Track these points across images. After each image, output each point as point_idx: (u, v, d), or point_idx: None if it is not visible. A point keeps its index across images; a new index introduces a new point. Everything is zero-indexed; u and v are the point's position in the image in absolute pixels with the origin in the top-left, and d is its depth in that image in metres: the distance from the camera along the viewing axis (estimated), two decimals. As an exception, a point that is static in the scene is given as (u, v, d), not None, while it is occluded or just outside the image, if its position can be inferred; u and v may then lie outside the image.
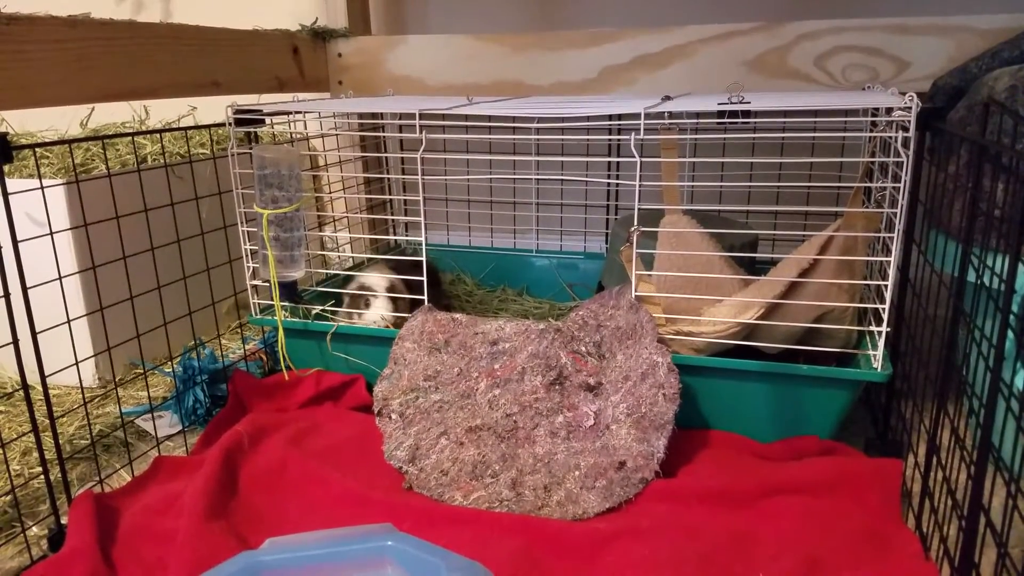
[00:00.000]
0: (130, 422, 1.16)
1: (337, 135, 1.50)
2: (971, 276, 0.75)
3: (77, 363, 0.93)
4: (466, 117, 1.12)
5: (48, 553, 0.87)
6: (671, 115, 1.01)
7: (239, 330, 1.37)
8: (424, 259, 1.14)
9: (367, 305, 1.21)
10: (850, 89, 1.37)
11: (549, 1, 1.68)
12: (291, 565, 0.58)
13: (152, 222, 1.02)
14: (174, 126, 1.40)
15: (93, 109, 1.52)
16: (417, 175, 1.10)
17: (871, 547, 0.82)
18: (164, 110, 1.61)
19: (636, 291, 1.05)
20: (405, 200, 1.62)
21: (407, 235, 1.64)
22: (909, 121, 0.85)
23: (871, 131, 1.00)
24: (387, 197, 1.53)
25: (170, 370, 1.18)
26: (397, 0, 1.77)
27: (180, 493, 0.92)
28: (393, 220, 1.65)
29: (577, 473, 0.93)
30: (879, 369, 0.96)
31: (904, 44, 1.34)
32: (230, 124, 1.14)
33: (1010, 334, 0.62)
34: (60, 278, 0.90)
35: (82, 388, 1.02)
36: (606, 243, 1.59)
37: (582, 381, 1.01)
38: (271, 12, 1.73)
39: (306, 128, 1.33)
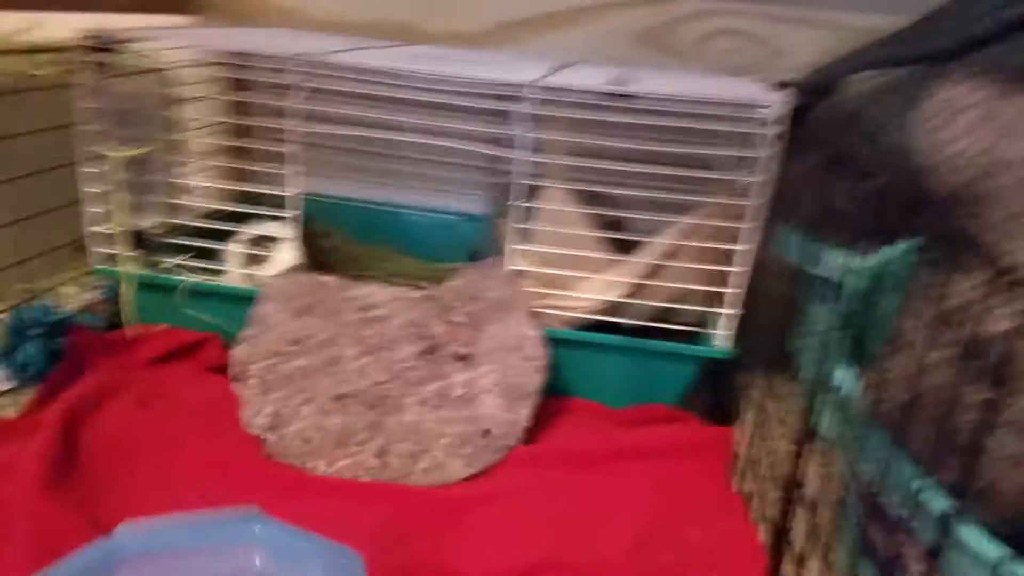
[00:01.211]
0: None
1: (202, 66, 1.39)
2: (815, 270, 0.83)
3: None
4: (342, 68, 1.07)
5: None
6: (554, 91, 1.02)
7: (81, 280, 1.25)
8: (300, 213, 1.09)
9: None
10: (727, 72, 1.42)
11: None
12: (151, 553, 0.55)
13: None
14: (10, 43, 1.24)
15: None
16: (273, 124, 1.05)
17: (704, 507, 0.90)
18: None
19: (512, 264, 1.06)
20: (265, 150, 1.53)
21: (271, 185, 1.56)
22: (781, 118, 0.91)
23: (736, 128, 1.05)
24: (253, 145, 1.43)
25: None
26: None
27: (14, 459, 0.85)
28: (256, 171, 1.55)
29: (443, 441, 0.94)
30: (724, 347, 1.03)
31: (779, 33, 1.41)
32: (80, 49, 1.03)
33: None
34: None
35: None
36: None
37: (454, 351, 1.02)
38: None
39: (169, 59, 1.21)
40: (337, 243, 1.52)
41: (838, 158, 0.78)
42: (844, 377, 0.71)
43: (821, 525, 0.70)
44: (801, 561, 0.72)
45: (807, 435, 0.73)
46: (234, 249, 1.15)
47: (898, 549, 0.61)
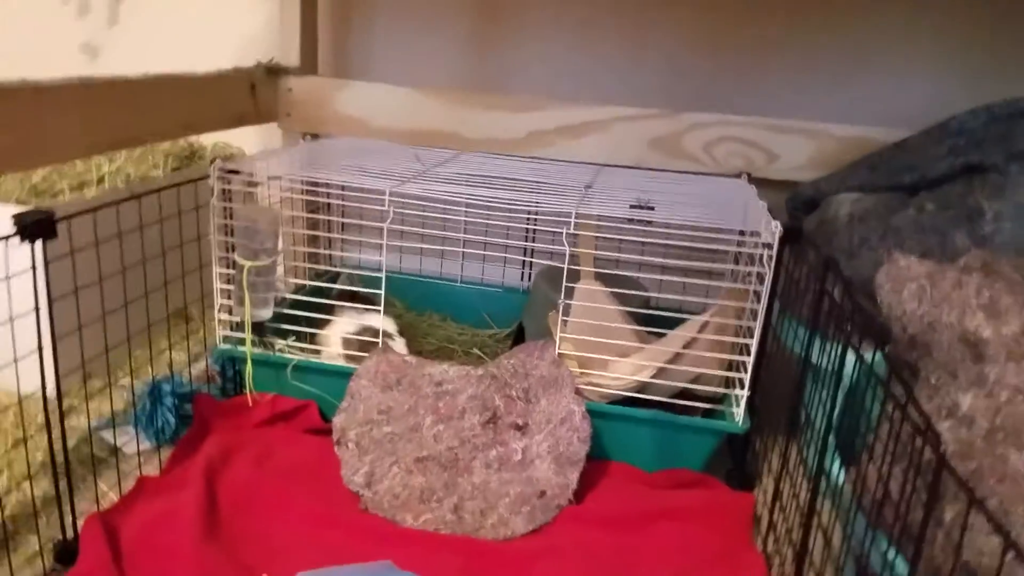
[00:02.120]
0: (102, 438, 1.28)
1: (292, 196, 1.63)
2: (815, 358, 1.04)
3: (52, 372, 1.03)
4: (425, 199, 1.32)
5: (57, 567, 1.00)
6: (591, 216, 1.26)
7: (185, 343, 1.48)
8: (382, 309, 1.33)
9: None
10: (729, 173, 1.65)
11: (484, 64, 1.88)
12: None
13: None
14: (159, 182, 1.47)
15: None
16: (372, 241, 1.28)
17: (726, 565, 1.09)
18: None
19: (559, 349, 1.29)
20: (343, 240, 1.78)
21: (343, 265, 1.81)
22: (773, 242, 1.13)
23: (742, 246, 1.28)
24: (334, 253, 1.69)
25: (136, 388, 1.31)
26: (343, 45, 1.92)
27: (173, 511, 1.07)
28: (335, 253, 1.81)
29: (507, 500, 1.16)
30: (739, 423, 1.25)
31: (775, 140, 1.64)
32: (216, 180, 1.28)
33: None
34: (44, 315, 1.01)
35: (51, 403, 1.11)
36: (521, 280, 1.83)
37: (512, 421, 1.24)
38: (223, 42, 1.85)
39: (269, 189, 1.47)
40: (399, 312, 1.77)
41: (826, 266, 0.99)
42: (837, 472, 0.91)
43: None
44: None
45: (811, 513, 0.93)
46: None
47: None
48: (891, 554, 0.77)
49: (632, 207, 1.22)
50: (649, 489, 1.26)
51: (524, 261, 1.83)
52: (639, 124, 1.68)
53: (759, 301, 1.19)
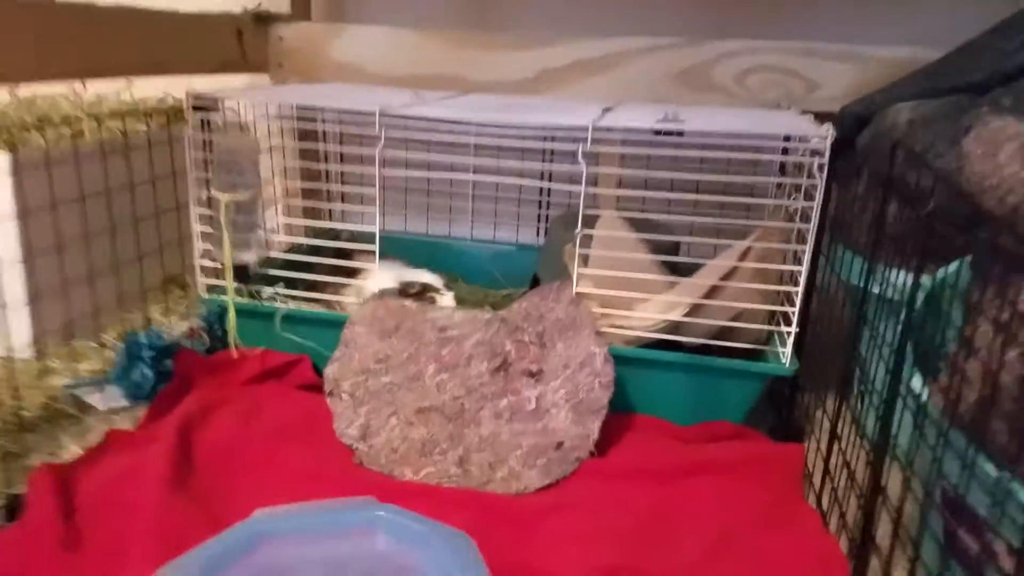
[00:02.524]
0: (74, 395, 1.16)
1: (281, 123, 1.52)
2: (875, 289, 0.88)
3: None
4: (419, 118, 1.17)
5: (4, 524, 0.88)
6: (611, 131, 1.10)
7: (178, 306, 1.38)
8: (377, 247, 1.20)
9: (432, 303, 1.25)
10: (766, 105, 1.50)
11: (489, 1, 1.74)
12: (287, 533, 0.63)
13: (95, 203, 1.04)
14: (123, 104, 1.38)
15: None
16: (359, 168, 1.15)
17: (777, 520, 0.94)
18: (95, 87, 1.58)
19: (577, 287, 1.14)
20: (344, 186, 1.65)
21: (343, 221, 1.67)
22: (823, 149, 0.98)
23: (787, 155, 1.12)
24: (333, 187, 1.55)
25: (110, 343, 1.19)
26: (340, -14, 1.79)
27: (136, 466, 0.95)
28: (334, 208, 1.67)
29: (519, 452, 1.02)
30: (787, 365, 1.09)
31: (814, 67, 1.47)
32: (188, 110, 1.16)
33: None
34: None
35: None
36: (537, 236, 1.68)
37: (525, 368, 1.10)
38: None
39: (255, 115, 1.34)
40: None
41: (888, 184, 0.84)
42: (918, 385, 0.76)
43: (906, 531, 0.73)
44: (888, 567, 0.75)
45: (884, 445, 0.78)
46: (438, 292, 1.28)
47: (986, 547, 0.65)
48: (1006, 481, 0.61)
49: (659, 122, 1.06)
50: (682, 442, 1.11)
51: (539, 215, 1.68)
52: (663, 56, 1.52)
53: (808, 222, 1.03)
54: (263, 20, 1.62)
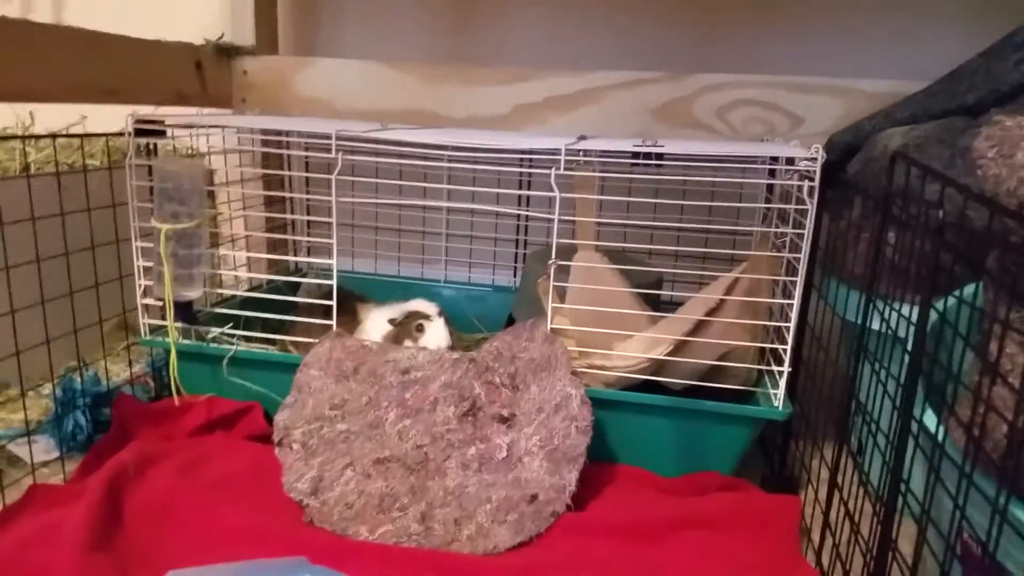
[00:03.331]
0: (1, 447, 1.05)
1: (240, 152, 1.45)
2: (875, 324, 0.80)
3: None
4: (381, 142, 1.10)
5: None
6: (587, 153, 1.04)
7: (125, 352, 1.27)
8: (335, 283, 1.11)
9: (420, 330, 1.16)
10: (749, 141, 1.44)
11: (463, 34, 1.69)
12: (196, 603, 0.53)
13: (35, 234, 0.95)
14: (65, 133, 1.31)
15: (-33, 111, 1.40)
16: (322, 197, 1.08)
17: (773, 579, 0.84)
18: (50, 119, 1.50)
19: (552, 323, 1.05)
20: (309, 222, 1.57)
21: (309, 257, 1.59)
22: (814, 171, 0.91)
23: (774, 179, 1.06)
24: (294, 217, 1.47)
25: (48, 391, 1.08)
26: (308, 21, 1.74)
27: (59, 524, 0.84)
28: (298, 242, 1.59)
29: (488, 506, 0.91)
30: (780, 407, 1.00)
31: (799, 101, 1.42)
32: (129, 134, 1.08)
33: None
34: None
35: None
36: (515, 276, 1.60)
37: (495, 412, 1.00)
38: (175, 25, 1.66)
39: (208, 143, 1.27)
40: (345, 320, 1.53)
41: (888, 200, 0.77)
42: (932, 423, 0.67)
43: None
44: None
45: (895, 492, 0.69)
46: (427, 319, 1.17)
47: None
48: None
49: (637, 146, 1.00)
50: (667, 495, 1.01)
51: (516, 255, 1.60)
52: (641, 90, 1.47)
53: (798, 252, 0.96)
54: (226, 52, 1.56)
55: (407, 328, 1.16)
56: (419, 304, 1.19)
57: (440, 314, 1.17)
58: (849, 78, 1.39)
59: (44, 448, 1.07)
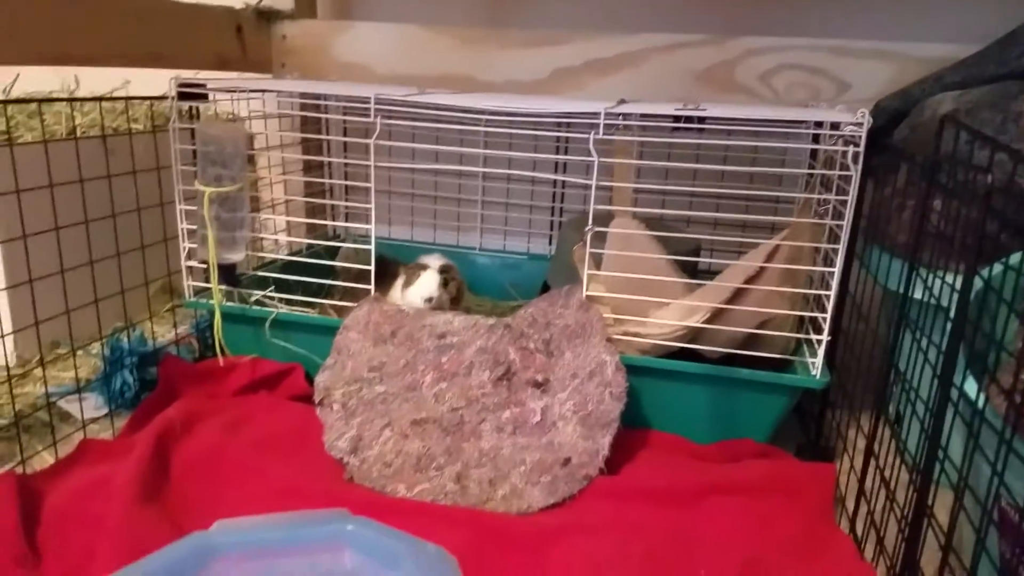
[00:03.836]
0: (53, 403, 1.09)
1: (280, 117, 1.46)
2: (917, 292, 0.79)
3: (2, 336, 0.88)
4: (419, 106, 1.10)
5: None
6: (627, 117, 1.03)
7: (171, 313, 1.31)
8: (373, 247, 1.12)
9: (416, 278, 1.16)
10: (793, 106, 1.41)
11: (502, -3, 1.68)
12: (243, 549, 0.55)
13: (81, 197, 0.97)
14: (111, 96, 1.33)
15: (18, 76, 1.43)
16: (360, 162, 1.09)
17: (807, 546, 0.84)
18: (95, 84, 1.53)
19: (587, 290, 1.05)
20: (347, 188, 1.58)
21: (347, 223, 1.61)
22: (859, 137, 0.89)
23: (818, 145, 1.04)
24: (333, 182, 1.49)
25: (97, 351, 1.12)
26: (347, -16, 1.74)
27: (109, 477, 0.87)
28: (336, 208, 1.61)
29: (522, 468, 0.93)
30: (817, 376, 0.99)
31: (845, 66, 1.39)
32: (173, 97, 1.10)
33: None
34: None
35: (7, 364, 0.95)
36: (550, 244, 1.60)
37: (530, 378, 1.01)
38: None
39: (249, 107, 1.28)
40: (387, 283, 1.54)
41: (935, 166, 0.75)
42: (973, 390, 0.66)
43: (957, 557, 0.64)
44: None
45: (932, 460, 0.68)
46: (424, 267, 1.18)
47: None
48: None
49: (679, 109, 0.98)
50: (701, 461, 1.01)
51: (552, 223, 1.60)
52: (683, 54, 1.45)
53: (840, 219, 0.94)
54: (265, 16, 1.57)
55: (409, 276, 1.17)
56: (430, 258, 1.20)
57: (442, 270, 1.17)
58: (899, 42, 1.35)
59: (93, 405, 1.10)
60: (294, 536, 0.57)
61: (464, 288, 1.23)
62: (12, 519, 0.79)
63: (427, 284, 1.15)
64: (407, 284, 1.16)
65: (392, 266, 1.24)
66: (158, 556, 0.53)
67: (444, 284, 1.16)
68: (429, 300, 1.14)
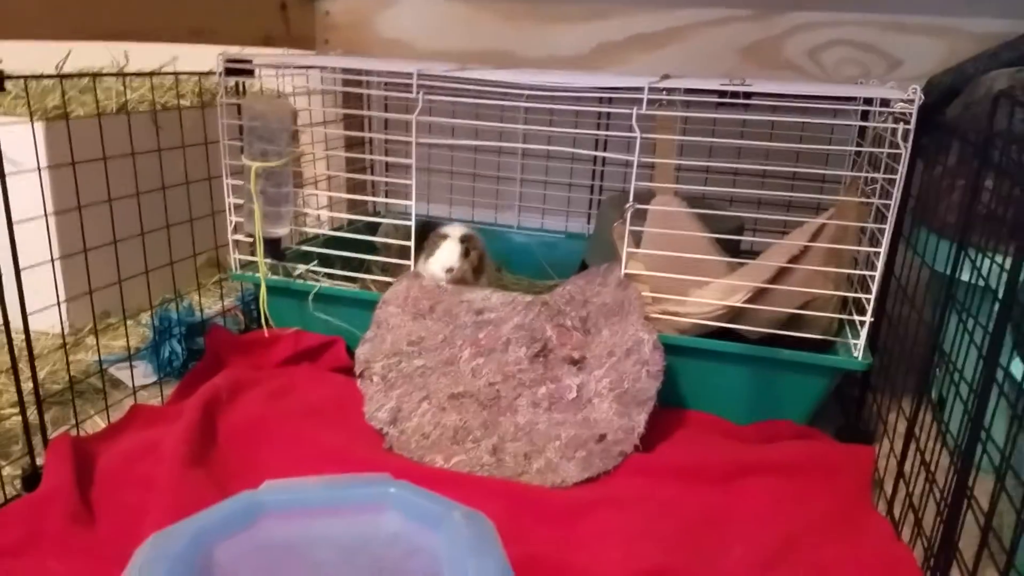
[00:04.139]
0: (104, 370, 1.13)
1: (323, 93, 1.47)
2: (965, 274, 0.77)
3: (59, 304, 0.91)
4: (461, 81, 1.10)
5: (22, 493, 0.85)
6: (671, 92, 1.01)
7: (217, 286, 1.34)
8: (414, 223, 1.13)
9: (437, 247, 1.15)
10: (842, 83, 1.38)
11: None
12: (290, 507, 0.57)
13: (130, 170, 1.00)
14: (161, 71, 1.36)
15: (69, 53, 1.47)
16: (401, 138, 1.09)
17: (843, 527, 0.84)
18: (143, 60, 1.56)
19: (626, 268, 1.05)
20: (388, 165, 1.60)
21: (387, 199, 1.62)
22: (910, 114, 0.87)
23: (867, 122, 1.01)
24: (374, 158, 1.50)
25: (146, 320, 1.15)
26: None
27: (158, 441, 0.91)
28: (376, 184, 1.62)
29: (557, 443, 0.93)
30: (859, 358, 0.98)
31: (897, 42, 1.35)
32: (220, 73, 1.11)
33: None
34: (46, 216, 0.87)
35: (63, 332, 0.99)
36: (588, 223, 1.59)
37: (566, 354, 1.02)
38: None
39: (293, 83, 1.30)
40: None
41: (988, 143, 0.73)
42: (1019, 372, 0.65)
43: (997, 538, 0.64)
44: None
45: (974, 441, 0.67)
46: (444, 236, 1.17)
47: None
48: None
49: (724, 85, 0.97)
50: (738, 441, 1.01)
51: (591, 201, 1.59)
52: (729, 28, 1.42)
53: (888, 199, 0.92)
54: (309, -7, 1.58)
55: (431, 247, 1.16)
56: (451, 227, 1.18)
57: (463, 239, 1.15)
58: (953, 17, 1.31)
59: (143, 373, 1.14)
60: (338, 497, 0.58)
61: (487, 258, 1.22)
62: (68, 479, 0.82)
63: (448, 254, 1.13)
64: (428, 255, 1.15)
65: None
66: (211, 512, 0.55)
67: (465, 254, 1.14)
68: (450, 271, 1.13)
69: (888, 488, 0.90)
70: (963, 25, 1.30)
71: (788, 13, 1.39)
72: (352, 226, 1.42)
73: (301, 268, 1.18)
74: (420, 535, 0.57)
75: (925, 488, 0.79)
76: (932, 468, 0.79)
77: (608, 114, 1.40)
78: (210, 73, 1.14)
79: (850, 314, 1.03)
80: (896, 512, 0.87)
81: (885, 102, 0.93)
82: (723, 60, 1.43)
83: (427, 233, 1.17)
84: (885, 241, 0.93)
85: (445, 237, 1.15)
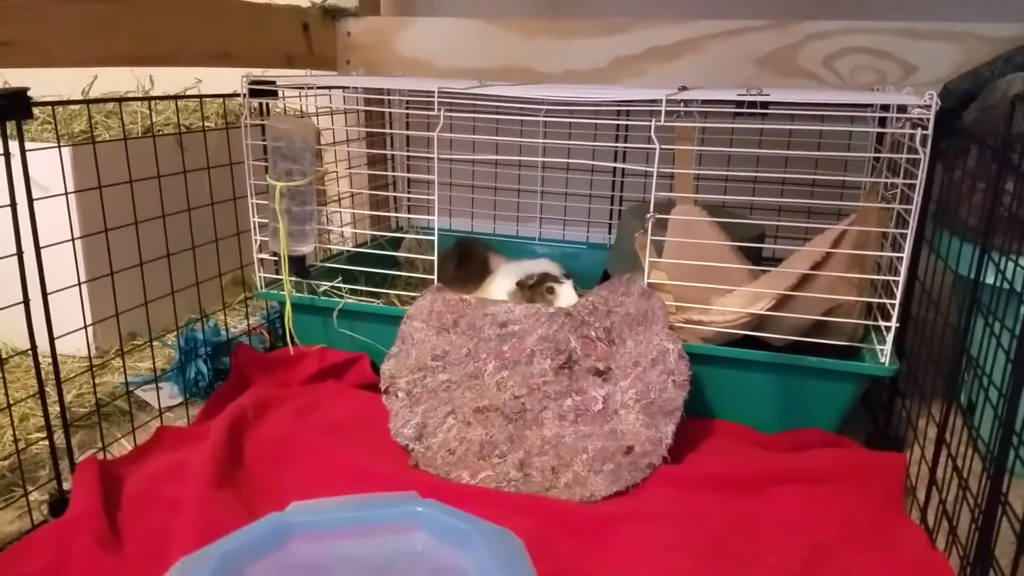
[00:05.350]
0: (131, 392, 1.14)
1: (345, 112, 1.50)
2: (989, 277, 0.76)
3: (86, 327, 0.92)
4: (480, 98, 1.11)
5: (49, 518, 0.86)
6: (689, 103, 1.02)
7: (243, 304, 1.36)
8: (436, 239, 1.14)
9: (551, 292, 1.21)
10: (858, 90, 1.38)
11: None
12: (319, 528, 0.58)
13: (156, 192, 1.02)
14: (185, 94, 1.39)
15: (95, 78, 1.50)
16: (422, 153, 1.11)
17: (876, 535, 0.83)
18: (167, 83, 1.59)
19: (648, 278, 1.05)
20: (409, 181, 1.61)
21: (410, 215, 1.63)
22: (927, 119, 0.87)
23: (884, 128, 1.01)
24: (396, 174, 1.52)
25: (172, 341, 1.17)
26: (408, -20, 1.77)
27: (184, 462, 0.91)
28: (399, 200, 1.64)
29: (585, 456, 0.93)
30: (886, 364, 0.97)
31: (912, 48, 1.35)
32: (244, 95, 1.13)
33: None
34: (73, 239, 0.89)
35: (90, 355, 1.00)
36: (609, 234, 1.60)
37: (591, 366, 1.02)
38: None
39: (316, 103, 1.32)
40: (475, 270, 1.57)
41: (1007, 144, 0.73)
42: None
43: None
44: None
45: (1007, 447, 0.67)
46: (558, 283, 1.22)
47: None
48: None
49: (741, 95, 0.97)
50: (766, 451, 1.00)
51: (611, 212, 1.60)
52: (744, 39, 1.42)
53: (909, 203, 0.92)
54: (331, 14, 1.61)
55: (538, 291, 1.20)
56: (546, 265, 1.23)
57: (567, 276, 1.22)
58: (967, 22, 1.31)
59: (169, 393, 1.15)
60: (366, 516, 0.59)
61: None
62: (95, 503, 0.82)
63: (572, 296, 1.19)
64: (542, 299, 1.20)
65: (483, 251, 1.27)
66: (238, 535, 0.56)
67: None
68: None
69: (921, 495, 0.89)
70: (976, 30, 1.30)
71: (801, 22, 1.39)
72: (375, 242, 1.44)
73: (326, 285, 1.19)
74: (448, 555, 0.57)
75: (959, 495, 0.78)
76: (965, 474, 0.78)
77: (627, 126, 1.41)
78: (234, 95, 1.16)
79: (875, 320, 1.02)
80: (930, 520, 0.86)
81: (902, 108, 0.93)
82: (739, 70, 1.43)
83: (469, 251, 1.19)
84: (907, 245, 0.93)
85: (557, 280, 1.22)
